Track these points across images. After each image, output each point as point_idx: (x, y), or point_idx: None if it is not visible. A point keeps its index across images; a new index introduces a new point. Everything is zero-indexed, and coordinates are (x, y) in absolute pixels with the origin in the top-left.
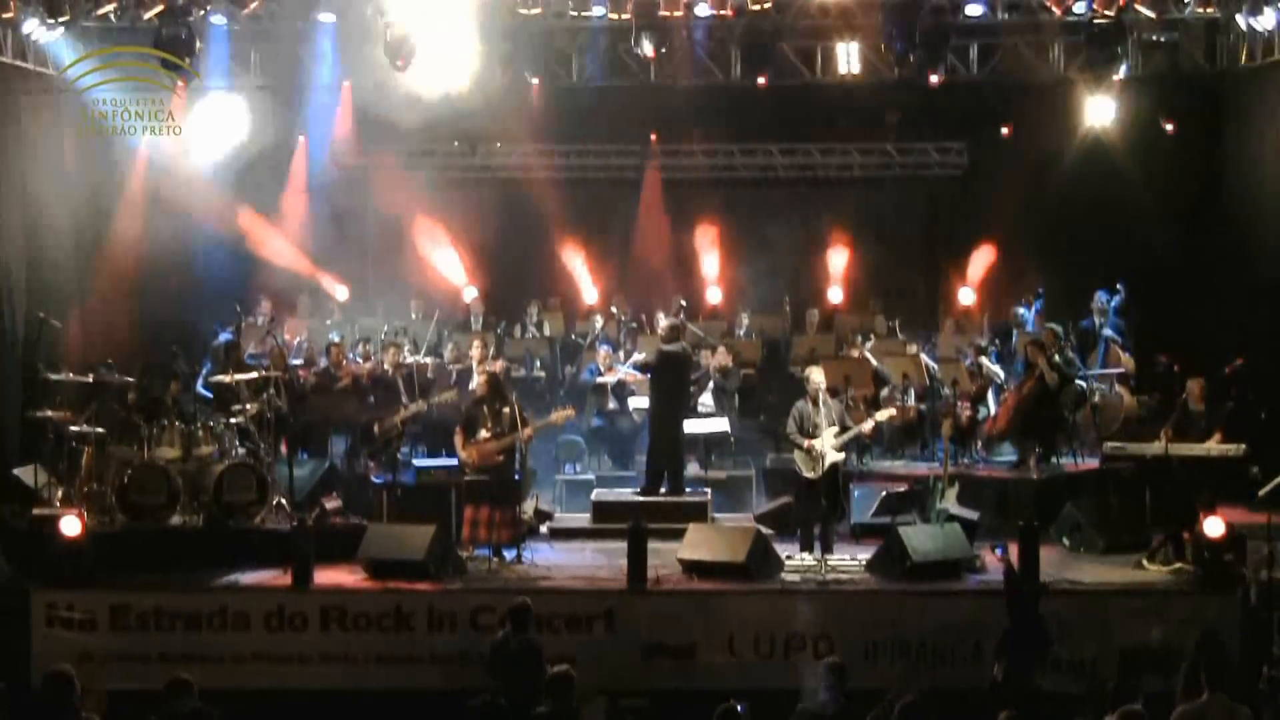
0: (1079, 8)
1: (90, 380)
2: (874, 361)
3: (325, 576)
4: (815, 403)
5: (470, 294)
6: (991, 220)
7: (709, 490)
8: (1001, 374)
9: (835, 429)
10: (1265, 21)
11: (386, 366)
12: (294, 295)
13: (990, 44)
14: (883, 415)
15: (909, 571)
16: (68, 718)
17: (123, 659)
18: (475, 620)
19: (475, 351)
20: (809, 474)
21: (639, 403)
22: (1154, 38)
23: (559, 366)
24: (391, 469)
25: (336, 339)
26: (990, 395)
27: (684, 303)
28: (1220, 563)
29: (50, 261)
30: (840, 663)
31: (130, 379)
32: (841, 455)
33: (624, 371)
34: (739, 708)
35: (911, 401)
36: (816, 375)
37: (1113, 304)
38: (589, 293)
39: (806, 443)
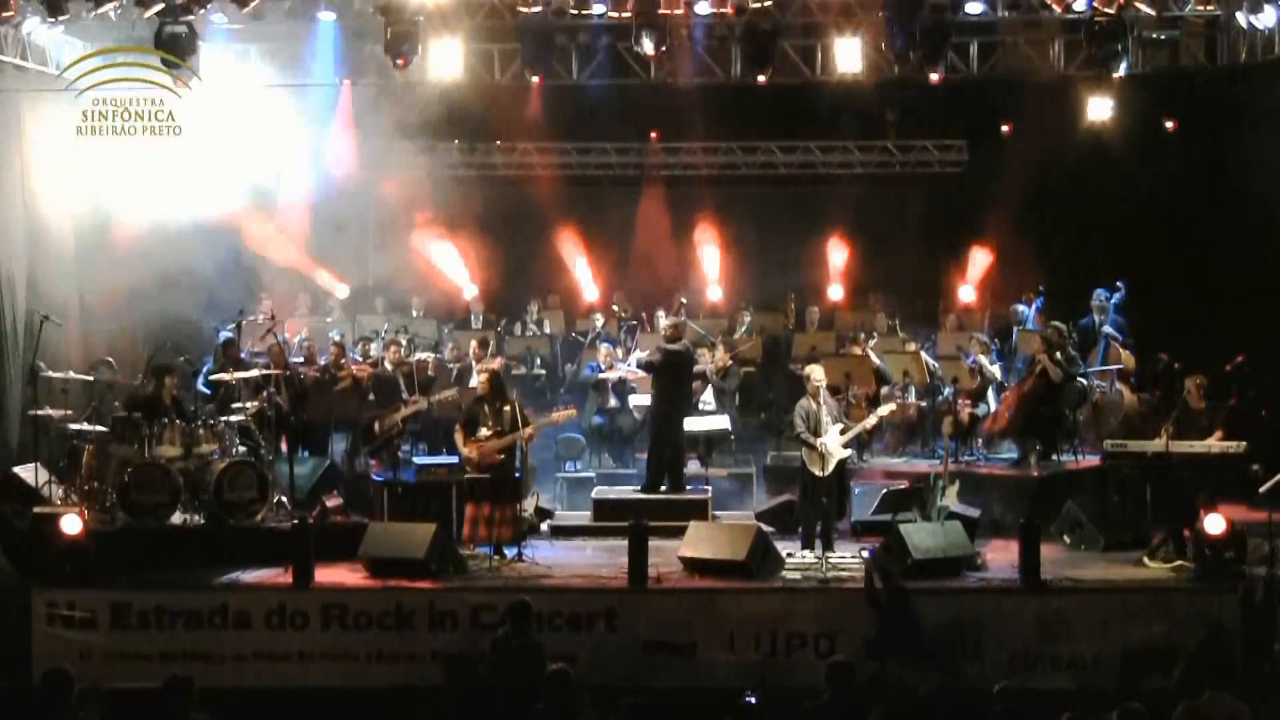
0: (1079, 5)
1: (91, 379)
2: (875, 359)
3: (326, 575)
4: (817, 400)
5: (471, 292)
6: (991, 218)
7: (710, 488)
8: (999, 374)
9: (840, 426)
10: (1265, 19)
11: (387, 364)
12: (295, 293)
13: (990, 41)
14: (884, 410)
15: (909, 569)
16: (64, 717)
17: (124, 658)
18: (476, 618)
19: (474, 349)
20: (818, 472)
21: (640, 400)
22: (1154, 35)
23: (559, 364)
24: (392, 467)
25: (337, 337)
26: (990, 393)
27: (685, 301)
28: (1221, 560)
29: (50, 261)
30: (848, 661)
31: (130, 378)
32: (848, 452)
33: (626, 369)
34: (752, 699)
35: (912, 399)
36: (817, 373)
37: (1113, 301)
38: (589, 290)
39: (816, 440)
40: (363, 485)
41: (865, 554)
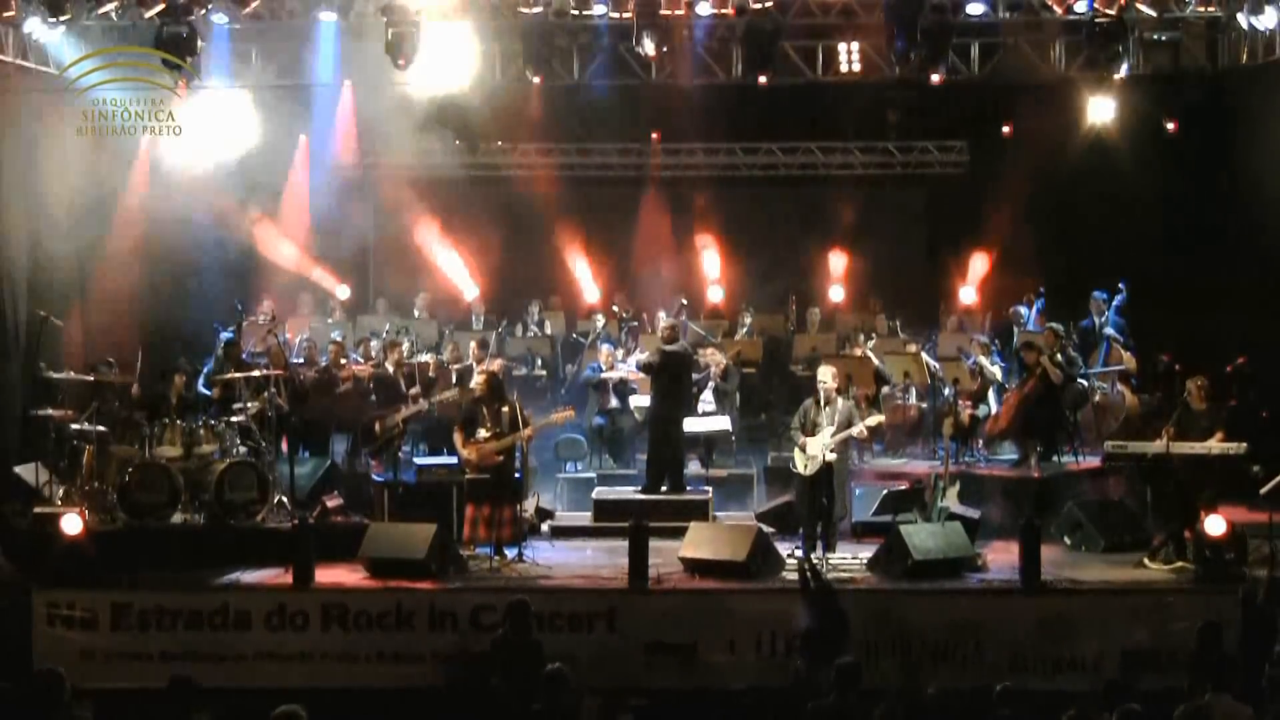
0: (1080, 6)
1: (91, 379)
2: (876, 360)
3: (326, 575)
4: (819, 402)
5: (472, 293)
6: (992, 220)
7: (710, 489)
8: (1000, 375)
9: (833, 429)
10: (1266, 20)
11: (388, 365)
12: (296, 294)
13: (991, 43)
14: (872, 421)
15: (910, 570)
16: (58, 717)
17: (124, 658)
18: (476, 619)
19: (474, 350)
20: (800, 470)
21: (640, 401)
22: (1155, 37)
23: (560, 365)
24: (392, 467)
25: (338, 338)
26: (991, 394)
27: (685, 302)
28: (1221, 561)
29: (51, 261)
30: (854, 662)
31: (131, 378)
32: (832, 455)
33: (626, 370)
34: None
35: (913, 400)
36: (825, 374)
37: (1114, 303)
38: (590, 291)
39: (801, 439)
40: (363, 486)
41: (798, 553)
